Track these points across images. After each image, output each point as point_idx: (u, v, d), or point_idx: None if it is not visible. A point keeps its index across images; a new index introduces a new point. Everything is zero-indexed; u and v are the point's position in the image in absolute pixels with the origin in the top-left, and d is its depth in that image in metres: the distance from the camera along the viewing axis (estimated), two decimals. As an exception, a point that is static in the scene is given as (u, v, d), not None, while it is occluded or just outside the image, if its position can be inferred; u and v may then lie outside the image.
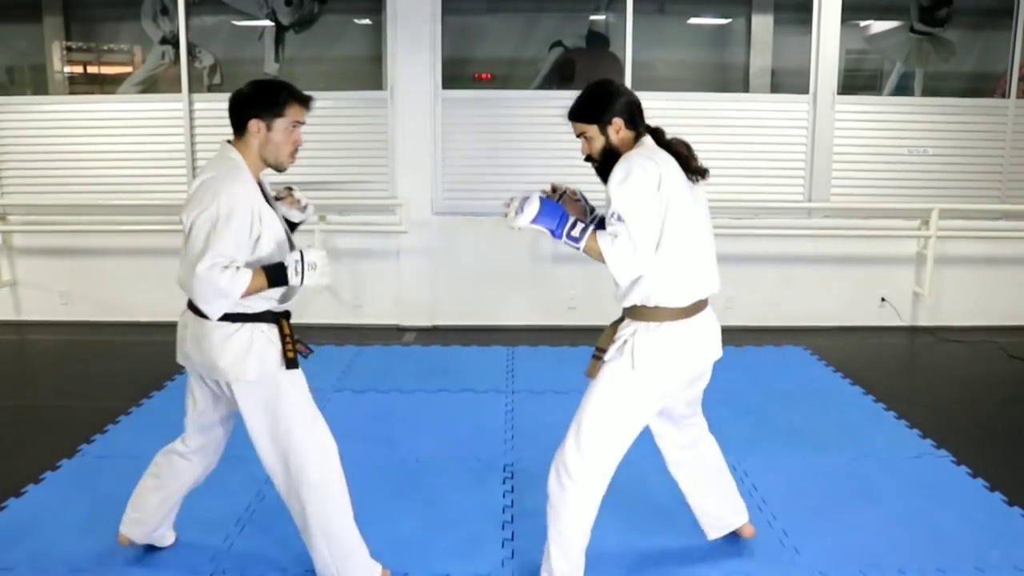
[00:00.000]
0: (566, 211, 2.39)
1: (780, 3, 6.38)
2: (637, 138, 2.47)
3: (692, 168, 2.45)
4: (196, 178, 2.47)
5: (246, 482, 3.41)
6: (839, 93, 5.95)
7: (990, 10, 6.27)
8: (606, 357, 2.50)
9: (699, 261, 2.46)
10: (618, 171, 2.35)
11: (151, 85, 6.28)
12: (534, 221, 2.35)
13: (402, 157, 5.87)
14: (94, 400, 4.46)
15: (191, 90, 5.96)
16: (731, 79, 6.61)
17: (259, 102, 2.40)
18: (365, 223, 5.97)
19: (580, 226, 2.35)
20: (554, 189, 2.69)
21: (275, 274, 2.38)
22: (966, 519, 3.14)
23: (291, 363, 2.47)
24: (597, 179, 2.55)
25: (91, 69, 6.60)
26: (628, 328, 2.47)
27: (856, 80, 6.46)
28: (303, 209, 2.71)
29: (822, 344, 5.51)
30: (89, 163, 6.05)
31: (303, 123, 2.45)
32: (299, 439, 2.48)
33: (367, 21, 6.38)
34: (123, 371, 5.02)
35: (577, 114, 2.49)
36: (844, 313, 6.06)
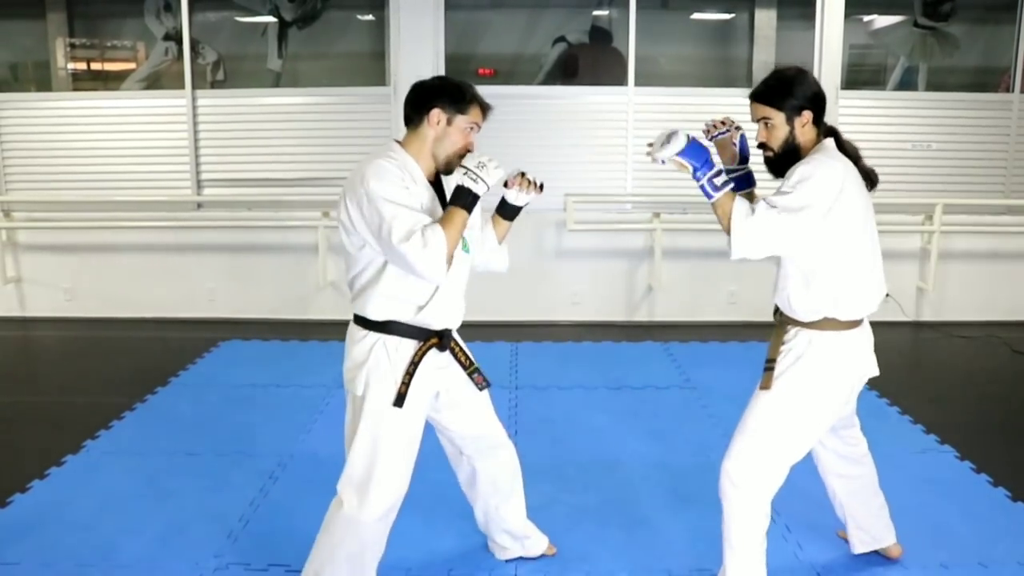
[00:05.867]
0: (710, 156, 2.28)
1: (783, -2, 6.38)
2: (817, 138, 2.36)
3: (863, 173, 2.36)
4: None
5: (249, 477, 3.43)
6: (843, 88, 5.94)
7: (994, 4, 6.25)
8: (779, 368, 2.40)
9: (876, 270, 2.40)
10: (801, 168, 2.25)
11: (154, 81, 6.29)
12: (680, 154, 2.23)
13: (405, 153, 5.86)
14: (99, 396, 4.47)
15: (194, 86, 5.96)
16: (734, 74, 6.60)
17: (445, 94, 2.29)
18: (368, 219, 5.97)
19: (723, 178, 2.24)
20: (723, 122, 2.53)
21: (460, 198, 2.20)
22: (970, 514, 3.14)
23: (398, 400, 2.26)
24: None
25: (95, 65, 6.60)
26: (801, 337, 2.38)
27: (860, 75, 6.44)
28: (538, 188, 2.50)
29: (825, 339, 5.50)
30: (93, 159, 6.06)
31: (479, 127, 2.35)
32: (375, 474, 2.30)
33: (370, 17, 6.38)
34: (128, 367, 5.03)
35: (764, 96, 2.32)
36: (848, 308, 6.05)
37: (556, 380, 4.68)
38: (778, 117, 2.32)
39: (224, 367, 5.00)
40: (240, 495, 3.27)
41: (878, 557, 2.82)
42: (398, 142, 2.35)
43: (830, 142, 2.36)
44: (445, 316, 2.37)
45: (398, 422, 2.31)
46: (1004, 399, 4.60)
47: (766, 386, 2.40)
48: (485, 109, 2.35)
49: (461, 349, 2.50)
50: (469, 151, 2.33)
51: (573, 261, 5.98)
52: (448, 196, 2.33)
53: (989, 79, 6.32)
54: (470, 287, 2.48)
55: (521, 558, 2.83)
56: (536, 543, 2.83)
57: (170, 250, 6.01)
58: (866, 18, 6.45)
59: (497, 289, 6.10)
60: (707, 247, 5.85)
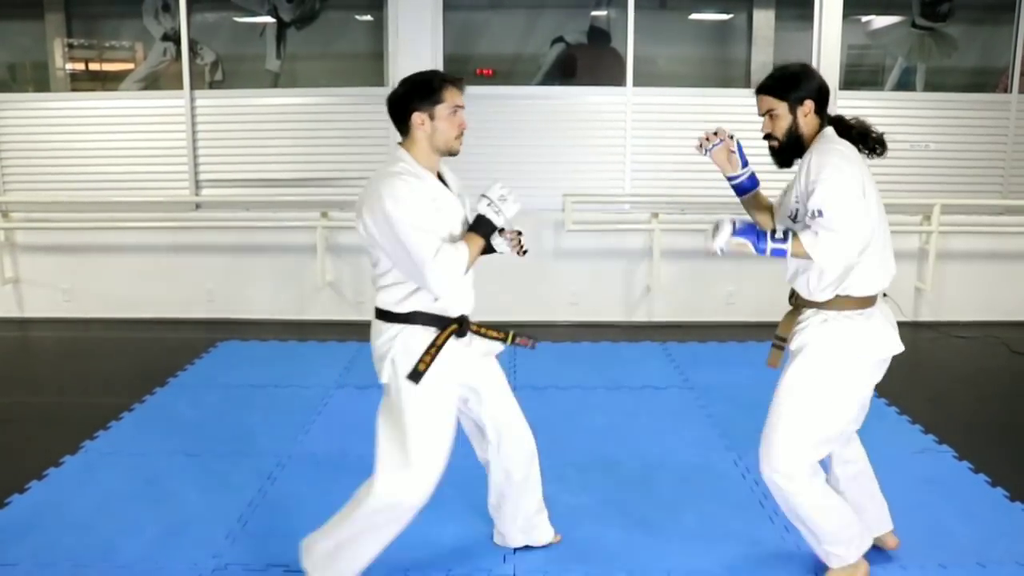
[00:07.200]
0: (756, 226, 2.40)
1: (781, -2, 6.38)
2: (820, 127, 2.46)
3: (871, 142, 2.46)
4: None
5: (248, 477, 3.42)
6: (841, 88, 5.94)
7: (992, 5, 6.25)
8: (792, 346, 2.49)
9: (888, 247, 2.50)
10: (813, 167, 2.34)
11: (153, 82, 6.29)
12: (735, 235, 2.35)
13: (404, 153, 5.86)
14: (97, 397, 4.47)
15: (193, 87, 5.96)
16: (733, 75, 6.60)
17: (415, 95, 2.40)
18: (367, 219, 5.97)
19: (781, 230, 2.37)
20: (715, 134, 2.60)
21: (481, 227, 2.41)
22: (968, 515, 3.14)
23: (414, 374, 2.36)
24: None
25: (93, 66, 6.60)
26: (817, 318, 2.46)
27: (858, 75, 6.45)
28: (522, 252, 2.71)
29: (824, 340, 5.50)
30: (91, 160, 6.06)
31: (463, 107, 2.43)
32: (409, 456, 2.41)
33: (368, 17, 6.37)
34: (126, 368, 5.03)
35: (769, 88, 2.45)
36: (846, 309, 6.05)
37: (555, 380, 4.69)
38: (781, 107, 2.44)
39: (222, 367, 5.00)
40: (238, 495, 3.26)
41: (876, 555, 2.82)
42: (401, 144, 2.47)
43: (830, 130, 2.46)
44: (461, 303, 2.51)
45: (421, 401, 2.39)
46: (1002, 399, 4.60)
47: (772, 363, 2.49)
48: (459, 84, 2.43)
49: (488, 329, 2.63)
50: (463, 130, 2.45)
51: (572, 261, 5.98)
52: (448, 187, 2.53)
53: (987, 79, 6.33)
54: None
55: (521, 557, 2.83)
56: (543, 533, 2.87)
57: (168, 251, 6.01)
58: (864, 18, 6.46)
59: (496, 289, 6.11)
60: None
